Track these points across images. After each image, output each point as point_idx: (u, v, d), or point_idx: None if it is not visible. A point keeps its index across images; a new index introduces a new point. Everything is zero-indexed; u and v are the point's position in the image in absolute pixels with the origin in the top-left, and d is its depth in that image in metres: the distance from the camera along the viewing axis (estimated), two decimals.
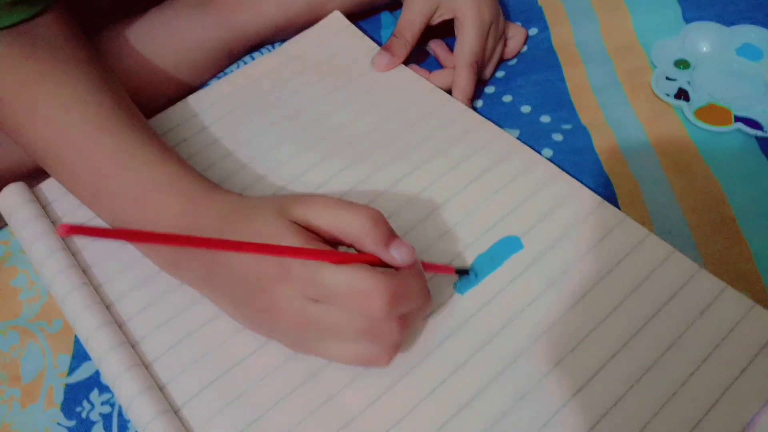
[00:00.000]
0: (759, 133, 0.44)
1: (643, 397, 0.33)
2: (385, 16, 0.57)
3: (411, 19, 0.49)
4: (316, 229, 0.32)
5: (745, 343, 0.34)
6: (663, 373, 0.33)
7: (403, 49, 0.49)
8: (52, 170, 0.40)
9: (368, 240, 0.32)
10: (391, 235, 0.32)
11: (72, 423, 0.36)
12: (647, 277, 0.37)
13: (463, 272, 0.37)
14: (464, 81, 0.47)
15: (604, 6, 0.54)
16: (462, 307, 0.37)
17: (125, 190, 0.37)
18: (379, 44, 0.52)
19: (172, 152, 0.39)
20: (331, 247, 0.32)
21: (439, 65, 0.52)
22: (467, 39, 0.47)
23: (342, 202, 0.32)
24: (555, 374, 0.34)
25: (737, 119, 0.44)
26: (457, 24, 0.49)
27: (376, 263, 0.32)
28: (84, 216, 0.42)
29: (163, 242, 0.26)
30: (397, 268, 0.32)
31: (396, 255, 0.32)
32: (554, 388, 0.33)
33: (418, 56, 0.53)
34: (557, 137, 0.45)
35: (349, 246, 0.33)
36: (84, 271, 0.39)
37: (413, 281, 0.32)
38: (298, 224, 0.32)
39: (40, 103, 0.38)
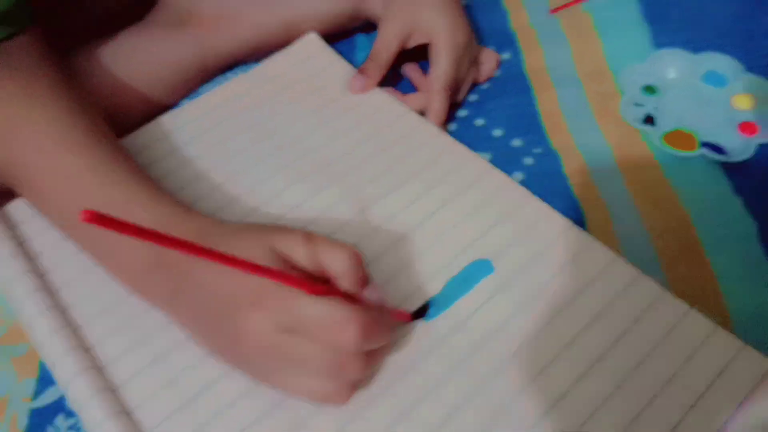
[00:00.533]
0: (723, 158, 0.45)
1: (610, 418, 0.33)
2: (359, 39, 0.58)
3: (386, 43, 0.50)
4: (294, 262, 0.32)
5: (707, 364, 0.34)
6: (629, 394, 0.34)
7: (377, 71, 0.50)
8: (22, 190, 0.39)
9: (346, 279, 0.32)
10: (366, 278, 0.34)
11: None
12: (614, 299, 0.37)
13: (419, 315, 0.37)
14: (438, 105, 0.48)
15: (575, 32, 0.55)
16: (434, 330, 0.37)
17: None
18: (354, 66, 0.52)
19: (146, 175, 0.39)
20: None
21: (412, 88, 0.53)
22: (442, 64, 0.48)
23: (322, 238, 0.33)
24: (524, 396, 0.34)
25: (702, 144, 0.46)
26: (431, 49, 0.49)
27: (348, 299, 0.32)
28: (52, 237, 0.41)
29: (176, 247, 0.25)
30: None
31: (368, 295, 0.33)
32: (524, 409, 0.34)
33: (393, 79, 0.53)
34: (528, 161, 0.46)
35: (324, 283, 0.33)
36: (52, 294, 0.39)
37: (382, 319, 0.33)
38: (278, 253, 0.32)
39: (12, 124, 0.37)
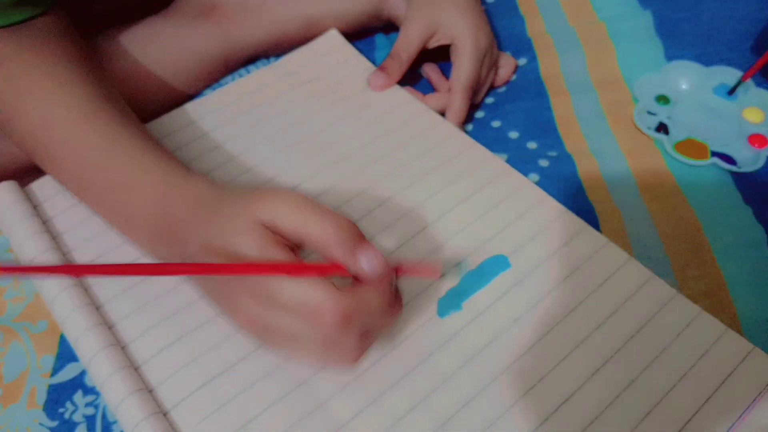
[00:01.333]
0: (733, 168, 0.46)
1: (621, 415, 0.34)
2: (379, 38, 0.58)
3: (408, 42, 0.51)
4: (281, 230, 0.31)
5: (717, 366, 0.35)
6: (639, 393, 0.35)
7: (398, 69, 0.51)
8: (40, 161, 0.40)
9: (334, 248, 0.30)
10: (359, 242, 0.31)
11: (54, 423, 0.36)
12: (627, 299, 0.38)
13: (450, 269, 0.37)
14: (458, 105, 0.49)
15: (590, 40, 0.57)
16: (449, 322, 0.38)
17: (107, 179, 0.37)
18: (374, 64, 0.53)
19: (154, 142, 0.39)
20: (293, 254, 0.31)
21: (430, 89, 0.54)
22: (464, 65, 0.49)
23: (311, 204, 0.31)
24: (537, 391, 0.35)
25: (714, 154, 0.47)
26: (454, 50, 0.50)
27: (341, 273, 0.30)
28: (75, 216, 0.42)
29: (100, 273, 0.26)
30: (363, 281, 0.31)
31: (365, 264, 0.30)
32: (537, 404, 0.34)
33: (411, 79, 0.54)
34: (543, 163, 0.47)
35: (315, 250, 0.32)
36: None
37: (373, 298, 0.30)
38: (264, 223, 0.31)
39: (30, 94, 0.38)
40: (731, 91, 0.50)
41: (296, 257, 0.31)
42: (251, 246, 0.30)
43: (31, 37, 0.39)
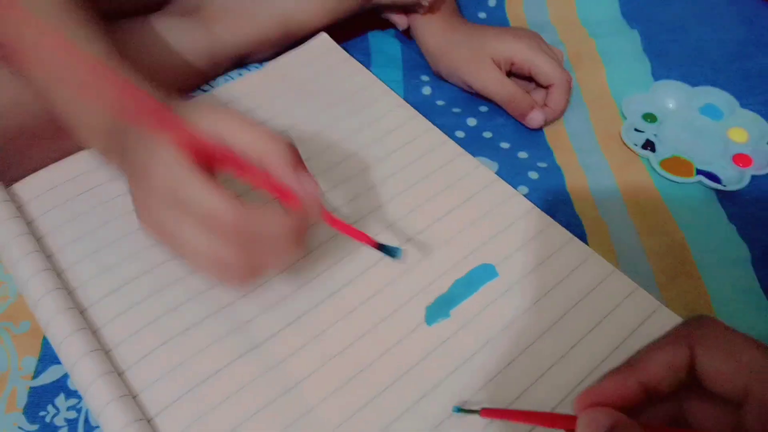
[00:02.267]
0: (718, 186, 0.47)
1: None
2: (372, 40, 0.59)
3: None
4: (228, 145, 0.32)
5: None
6: None
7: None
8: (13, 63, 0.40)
9: (277, 165, 0.32)
10: (298, 163, 0.33)
11: (34, 427, 0.35)
12: (611, 310, 0.39)
13: (387, 250, 0.36)
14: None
15: (580, 58, 0.57)
16: (438, 329, 0.38)
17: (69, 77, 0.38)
18: (366, 67, 0.54)
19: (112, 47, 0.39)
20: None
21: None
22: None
23: (248, 126, 0.32)
24: (524, 398, 0.35)
25: (699, 172, 0.47)
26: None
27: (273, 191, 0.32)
28: (59, 218, 0.42)
29: None
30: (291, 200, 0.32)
31: (304, 185, 0.32)
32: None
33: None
34: (533, 175, 0.47)
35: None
36: (58, 274, 0.39)
37: (278, 222, 0.31)
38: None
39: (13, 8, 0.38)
40: None
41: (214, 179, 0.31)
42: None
43: None
